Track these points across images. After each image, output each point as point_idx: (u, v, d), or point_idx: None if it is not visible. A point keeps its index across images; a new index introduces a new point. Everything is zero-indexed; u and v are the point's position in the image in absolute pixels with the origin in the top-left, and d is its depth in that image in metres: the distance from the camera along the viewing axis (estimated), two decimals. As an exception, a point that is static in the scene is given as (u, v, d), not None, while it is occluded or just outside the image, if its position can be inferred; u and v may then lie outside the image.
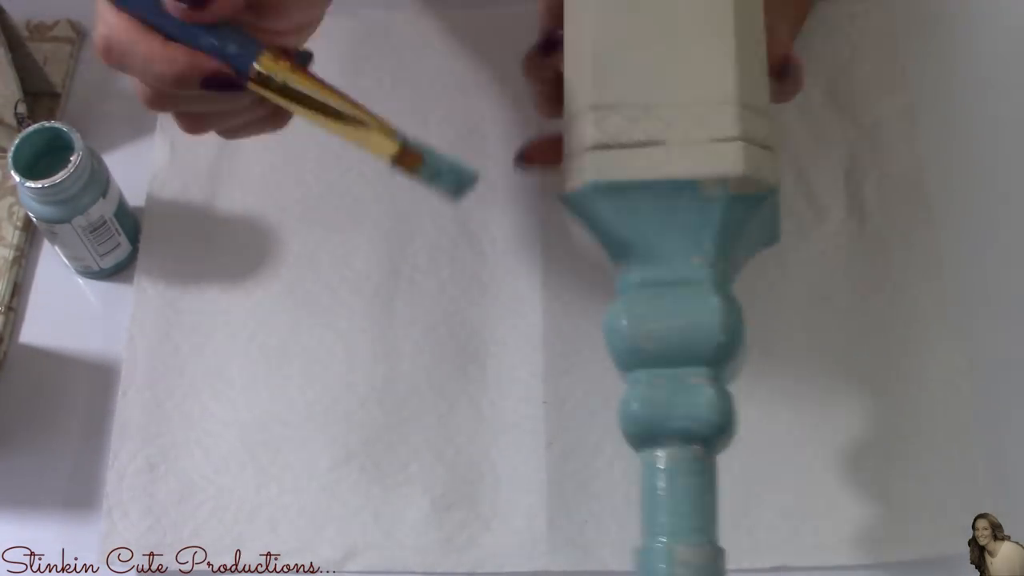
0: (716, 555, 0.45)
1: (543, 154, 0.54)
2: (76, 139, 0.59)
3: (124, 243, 0.64)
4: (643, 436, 0.46)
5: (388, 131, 0.46)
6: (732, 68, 0.47)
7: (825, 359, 0.60)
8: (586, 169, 0.47)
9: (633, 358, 0.47)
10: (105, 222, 0.61)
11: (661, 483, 0.45)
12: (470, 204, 0.65)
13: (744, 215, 0.47)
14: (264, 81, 0.45)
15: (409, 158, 0.46)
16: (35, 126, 0.60)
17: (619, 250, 0.48)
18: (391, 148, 0.46)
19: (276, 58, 0.45)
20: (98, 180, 0.60)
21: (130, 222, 0.64)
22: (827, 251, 0.63)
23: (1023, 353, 0.61)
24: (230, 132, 0.50)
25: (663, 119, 0.47)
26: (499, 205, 0.65)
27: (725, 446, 0.47)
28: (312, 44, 0.71)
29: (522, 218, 0.65)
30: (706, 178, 0.46)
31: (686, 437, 0.45)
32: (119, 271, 0.65)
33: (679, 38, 0.48)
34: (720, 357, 0.46)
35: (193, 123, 0.49)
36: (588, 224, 0.48)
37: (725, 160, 0.46)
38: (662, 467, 0.45)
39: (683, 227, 0.47)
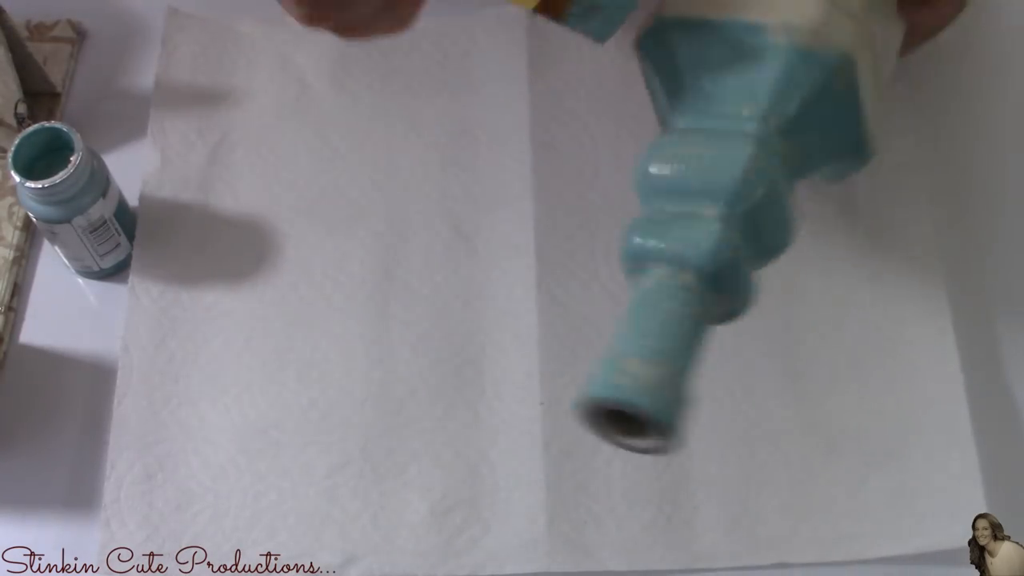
0: (670, 377, 0.42)
1: None
2: (76, 139, 0.59)
3: (124, 243, 0.64)
4: (636, 256, 0.45)
5: None
6: None
7: (822, 356, 0.60)
8: (662, 5, 0.48)
9: (648, 186, 0.46)
10: (105, 222, 0.61)
11: (637, 301, 0.43)
12: (463, 206, 0.65)
13: (810, 78, 0.46)
14: None
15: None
16: (35, 126, 0.60)
17: (676, 95, 0.48)
18: None
19: None
20: (98, 180, 0.60)
21: (130, 222, 0.64)
22: (820, 247, 0.63)
23: (1021, 349, 0.61)
24: (359, 27, 0.48)
25: None
26: (492, 207, 0.65)
27: (722, 291, 0.44)
28: (302, 47, 0.72)
29: (515, 220, 0.65)
30: (773, 23, 0.46)
31: (678, 261, 0.44)
32: (119, 271, 0.65)
33: None
34: (737, 200, 0.44)
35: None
36: (655, 67, 0.48)
37: (797, 8, 0.46)
38: (644, 286, 0.44)
39: (743, 75, 0.46)
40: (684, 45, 0.48)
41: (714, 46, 0.47)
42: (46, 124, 0.60)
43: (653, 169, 0.47)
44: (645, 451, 0.43)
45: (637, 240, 0.46)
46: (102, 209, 0.61)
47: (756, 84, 0.47)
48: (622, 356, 0.42)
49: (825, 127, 0.48)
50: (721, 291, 0.45)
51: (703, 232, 0.44)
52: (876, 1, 0.49)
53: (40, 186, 0.58)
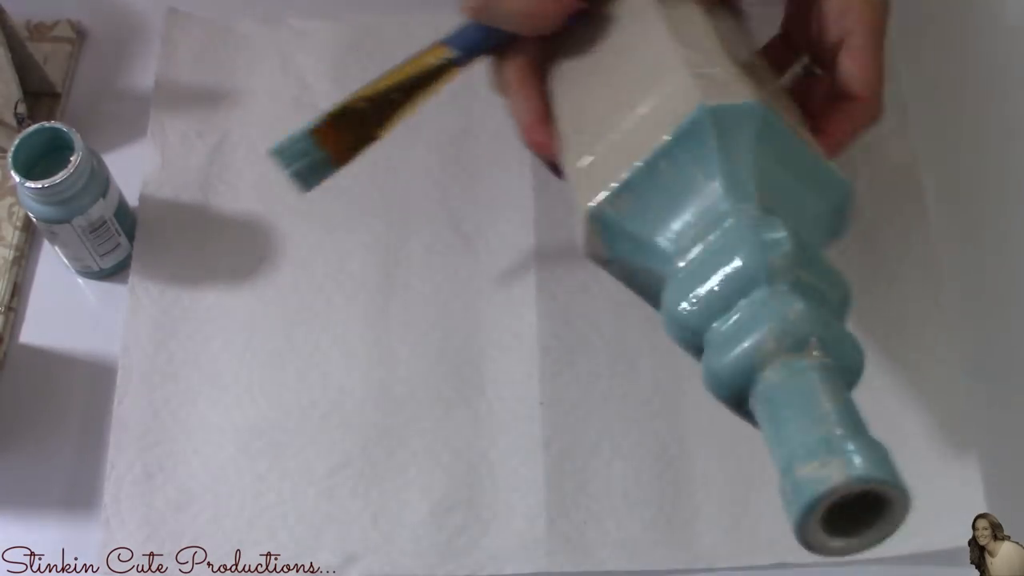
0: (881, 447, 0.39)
1: None
2: (76, 139, 0.59)
3: (124, 243, 0.64)
4: (746, 368, 0.40)
5: None
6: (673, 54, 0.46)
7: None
8: (584, 199, 0.45)
9: (694, 322, 0.42)
10: (105, 222, 0.61)
11: (783, 400, 0.39)
12: (463, 206, 0.65)
13: (743, 140, 0.43)
14: None
15: None
16: (35, 126, 0.60)
17: (659, 261, 0.44)
18: None
19: None
20: (98, 180, 0.60)
21: (130, 222, 0.64)
22: None
23: (1021, 350, 0.61)
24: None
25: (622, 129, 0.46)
26: (492, 207, 0.65)
27: (837, 347, 0.40)
28: (302, 47, 0.72)
29: (515, 220, 0.65)
30: (676, 125, 0.43)
31: (783, 341, 0.39)
32: (119, 271, 0.65)
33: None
34: (776, 270, 0.40)
35: None
36: (628, 262, 0.45)
37: (681, 100, 0.43)
38: (775, 381, 0.39)
39: (690, 185, 0.43)
40: (630, 211, 0.44)
41: (652, 191, 0.44)
42: (46, 124, 0.60)
43: (684, 305, 0.42)
44: (839, 552, 0.40)
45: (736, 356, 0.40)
46: (102, 209, 0.61)
47: (707, 179, 0.43)
48: (837, 446, 0.39)
49: (789, 183, 0.44)
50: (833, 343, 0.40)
51: (781, 303, 0.40)
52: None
53: (40, 186, 0.58)
